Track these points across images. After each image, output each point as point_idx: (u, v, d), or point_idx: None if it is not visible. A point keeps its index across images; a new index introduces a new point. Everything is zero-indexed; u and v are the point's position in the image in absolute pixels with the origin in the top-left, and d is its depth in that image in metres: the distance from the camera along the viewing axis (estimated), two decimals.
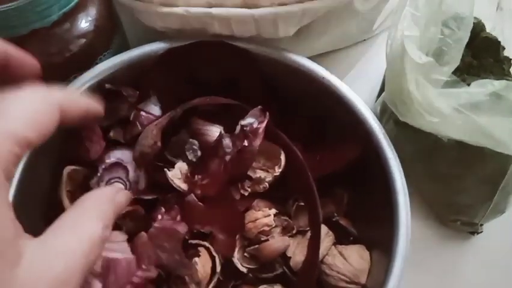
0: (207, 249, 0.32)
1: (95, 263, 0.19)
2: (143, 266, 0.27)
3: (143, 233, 0.28)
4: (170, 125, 0.34)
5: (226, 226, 0.31)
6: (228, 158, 0.33)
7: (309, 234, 0.34)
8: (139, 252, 0.28)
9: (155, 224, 0.29)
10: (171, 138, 0.35)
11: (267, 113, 0.34)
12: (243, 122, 0.33)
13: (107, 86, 0.34)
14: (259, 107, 0.34)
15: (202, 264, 0.31)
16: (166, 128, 0.33)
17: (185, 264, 0.29)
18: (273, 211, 0.33)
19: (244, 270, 0.32)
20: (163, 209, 0.30)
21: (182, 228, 0.29)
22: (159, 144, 0.32)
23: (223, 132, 0.34)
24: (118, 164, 0.34)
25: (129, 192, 0.26)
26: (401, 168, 0.31)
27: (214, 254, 0.32)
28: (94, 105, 0.25)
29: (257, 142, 0.33)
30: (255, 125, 0.34)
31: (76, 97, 0.25)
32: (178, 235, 0.29)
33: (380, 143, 0.32)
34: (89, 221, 0.20)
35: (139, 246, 0.28)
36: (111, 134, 0.35)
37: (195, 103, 0.35)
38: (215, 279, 0.31)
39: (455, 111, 0.28)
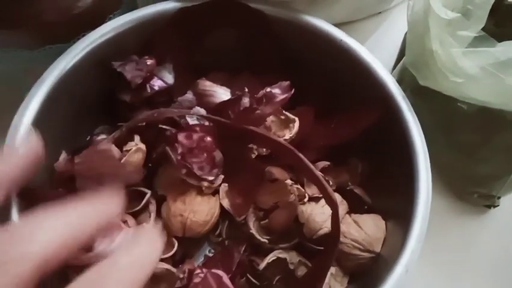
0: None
1: None
2: None
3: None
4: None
5: (243, 186, 0.30)
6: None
7: (321, 201, 0.33)
8: None
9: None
10: (178, 98, 0.34)
11: (292, 90, 0.32)
12: (268, 89, 0.32)
13: (115, 65, 0.33)
14: (288, 82, 0.33)
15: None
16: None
17: None
18: (289, 182, 0.32)
19: (266, 241, 0.32)
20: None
21: None
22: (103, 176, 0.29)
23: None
24: None
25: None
26: (422, 132, 0.30)
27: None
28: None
29: (268, 109, 0.32)
30: (276, 94, 0.32)
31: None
32: None
33: (400, 106, 0.30)
34: None
35: None
36: (121, 95, 0.34)
37: (141, 119, 0.31)
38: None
39: (481, 71, 0.27)
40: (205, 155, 0.30)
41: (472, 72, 0.27)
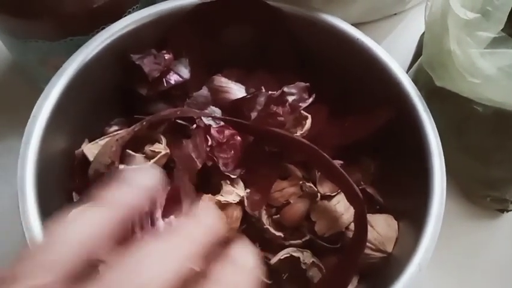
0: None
1: None
2: None
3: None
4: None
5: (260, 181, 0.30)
6: (254, 115, 0.32)
7: (334, 200, 0.33)
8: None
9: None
10: (193, 93, 0.34)
11: (313, 95, 0.33)
12: (286, 89, 0.32)
13: (134, 58, 0.33)
14: (307, 84, 0.33)
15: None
16: (128, 144, 0.30)
17: None
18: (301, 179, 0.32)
19: (281, 234, 0.32)
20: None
21: None
22: (117, 165, 0.29)
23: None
24: None
25: None
26: (437, 132, 0.30)
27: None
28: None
29: (290, 118, 0.32)
30: (297, 100, 0.33)
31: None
32: None
33: (416, 106, 0.30)
34: None
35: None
36: (137, 88, 0.34)
37: (163, 116, 0.31)
38: None
39: (499, 72, 0.27)
40: (232, 152, 0.30)
41: (489, 73, 0.27)
